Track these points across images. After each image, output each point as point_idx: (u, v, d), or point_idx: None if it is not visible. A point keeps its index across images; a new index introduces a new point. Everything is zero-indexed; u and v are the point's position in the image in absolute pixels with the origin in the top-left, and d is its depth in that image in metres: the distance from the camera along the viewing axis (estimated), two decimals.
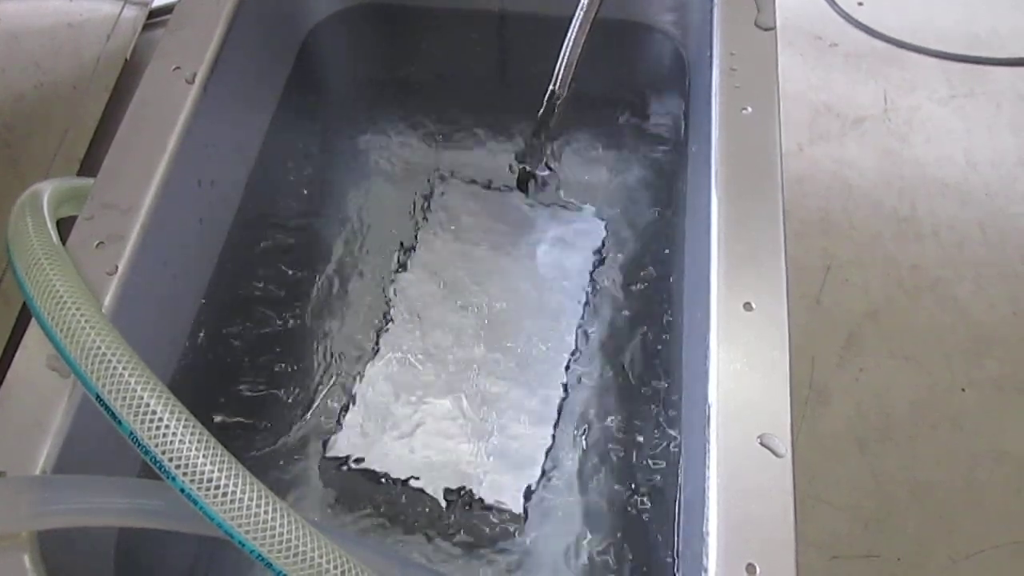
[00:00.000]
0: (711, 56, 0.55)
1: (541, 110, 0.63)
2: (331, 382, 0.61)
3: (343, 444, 0.57)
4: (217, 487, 0.37)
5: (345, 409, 0.59)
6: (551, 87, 0.61)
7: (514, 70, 0.76)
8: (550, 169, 0.67)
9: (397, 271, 0.65)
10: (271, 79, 0.70)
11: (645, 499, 0.55)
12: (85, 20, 0.99)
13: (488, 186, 0.69)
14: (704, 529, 0.39)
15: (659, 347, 0.61)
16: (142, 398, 0.38)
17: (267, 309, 0.63)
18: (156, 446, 0.37)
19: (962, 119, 1.08)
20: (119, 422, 0.38)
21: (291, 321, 0.63)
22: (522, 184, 0.69)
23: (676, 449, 0.54)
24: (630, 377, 0.60)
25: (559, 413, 0.59)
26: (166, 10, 1.14)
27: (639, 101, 0.73)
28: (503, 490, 0.55)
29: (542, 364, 0.61)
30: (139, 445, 0.38)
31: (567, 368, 0.60)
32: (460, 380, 0.60)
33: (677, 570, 0.49)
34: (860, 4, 1.19)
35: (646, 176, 0.70)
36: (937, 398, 0.87)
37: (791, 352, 0.44)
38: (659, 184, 0.69)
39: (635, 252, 0.66)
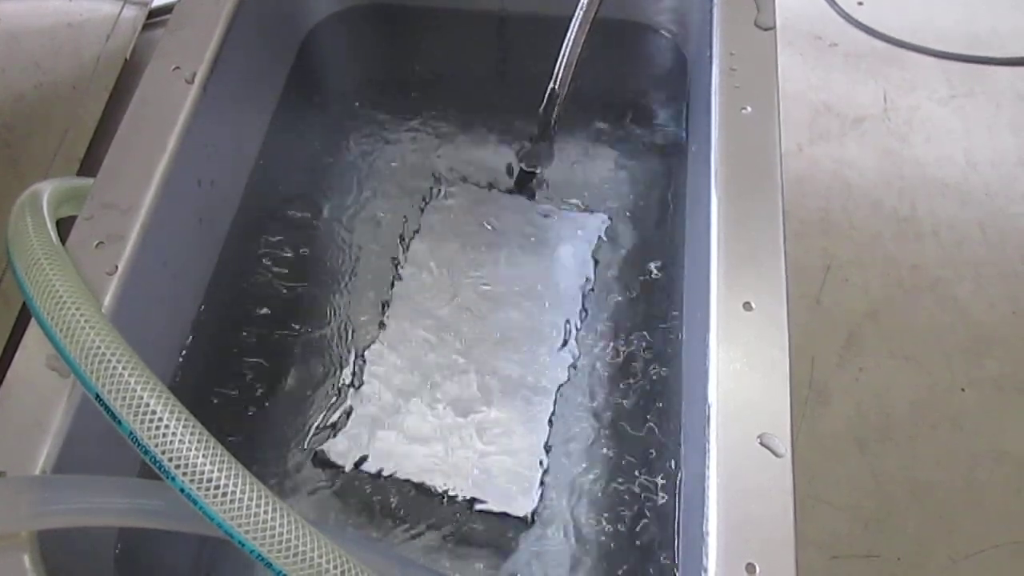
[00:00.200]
0: (711, 56, 0.55)
1: (541, 110, 0.63)
2: (331, 383, 0.61)
3: (343, 444, 0.57)
4: (217, 487, 0.37)
5: (345, 410, 0.59)
6: (551, 86, 0.61)
7: (514, 70, 0.76)
8: (548, 167, 0.67)
9: (397, 271, 0.65)
10: (271, 79, 0.70)
11: (645, 499, 0.55)
12: (85, 20, 0.99)
13: (488, 187, 0.70)
14: (704, 529, 0.39)
15: (659, 347, 0.61)
16: (142, 398, 0.38)
17: (267, 309, 0.63)
18: (156, 446, 0.37)
19: (962, 119, 1.08)
20: (119, 422, 0.38)
21: (291, 321, 0.63)
22: (522, 184, 0.69)
23: (676, 449, 0.54)
24: (630, 377, 0.60)
25: (558, 413, 0.59)
26: (166, 10, 1.14)
27: (639, 101, 0.73)
28: (504, 491, 0.55)
29: (542, 364, 0.61)
30: (139, 445, 0.38)
31: (567, 368, 0.60)
32: (460, 380, 0.60)
33: (677, 570, 0.49)
34: (860, 4, 1.19)
35: (646, 176, 0.70)
36: (937, 398, 0.87)
37: (791, 352, 0.44)
38: (659, 184, 0.69)
39: (635, 252, 0.66)
